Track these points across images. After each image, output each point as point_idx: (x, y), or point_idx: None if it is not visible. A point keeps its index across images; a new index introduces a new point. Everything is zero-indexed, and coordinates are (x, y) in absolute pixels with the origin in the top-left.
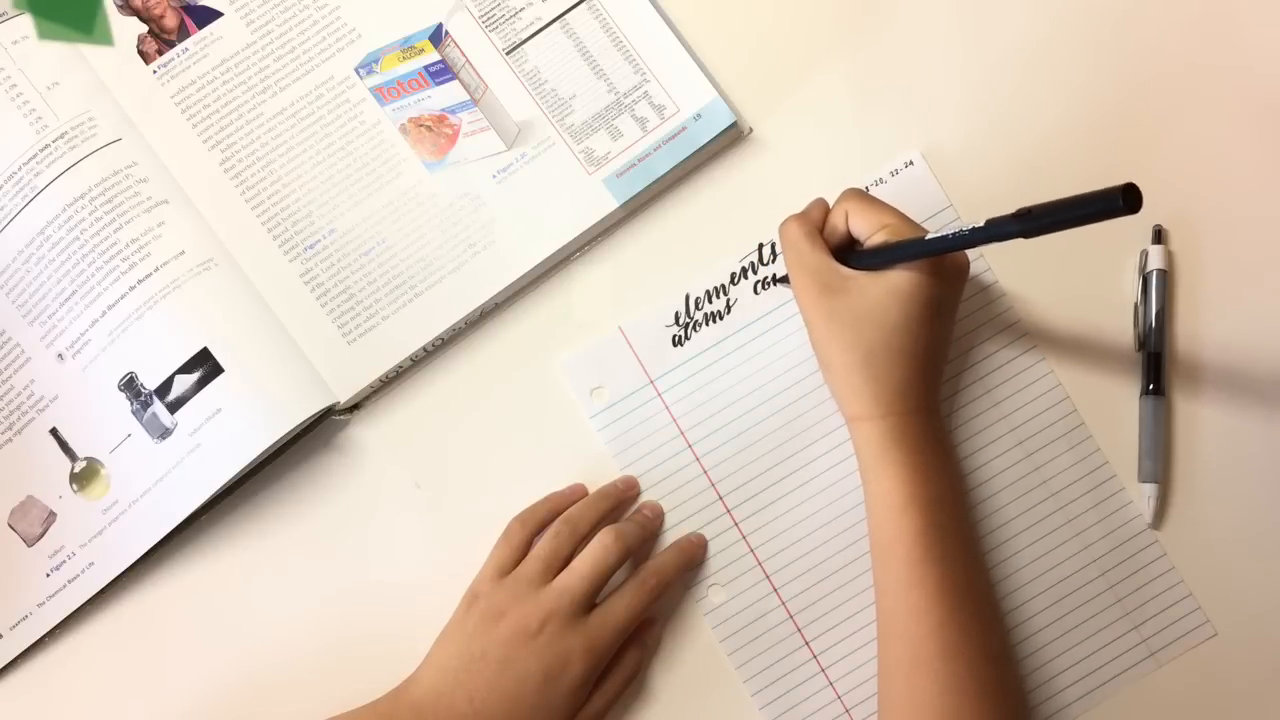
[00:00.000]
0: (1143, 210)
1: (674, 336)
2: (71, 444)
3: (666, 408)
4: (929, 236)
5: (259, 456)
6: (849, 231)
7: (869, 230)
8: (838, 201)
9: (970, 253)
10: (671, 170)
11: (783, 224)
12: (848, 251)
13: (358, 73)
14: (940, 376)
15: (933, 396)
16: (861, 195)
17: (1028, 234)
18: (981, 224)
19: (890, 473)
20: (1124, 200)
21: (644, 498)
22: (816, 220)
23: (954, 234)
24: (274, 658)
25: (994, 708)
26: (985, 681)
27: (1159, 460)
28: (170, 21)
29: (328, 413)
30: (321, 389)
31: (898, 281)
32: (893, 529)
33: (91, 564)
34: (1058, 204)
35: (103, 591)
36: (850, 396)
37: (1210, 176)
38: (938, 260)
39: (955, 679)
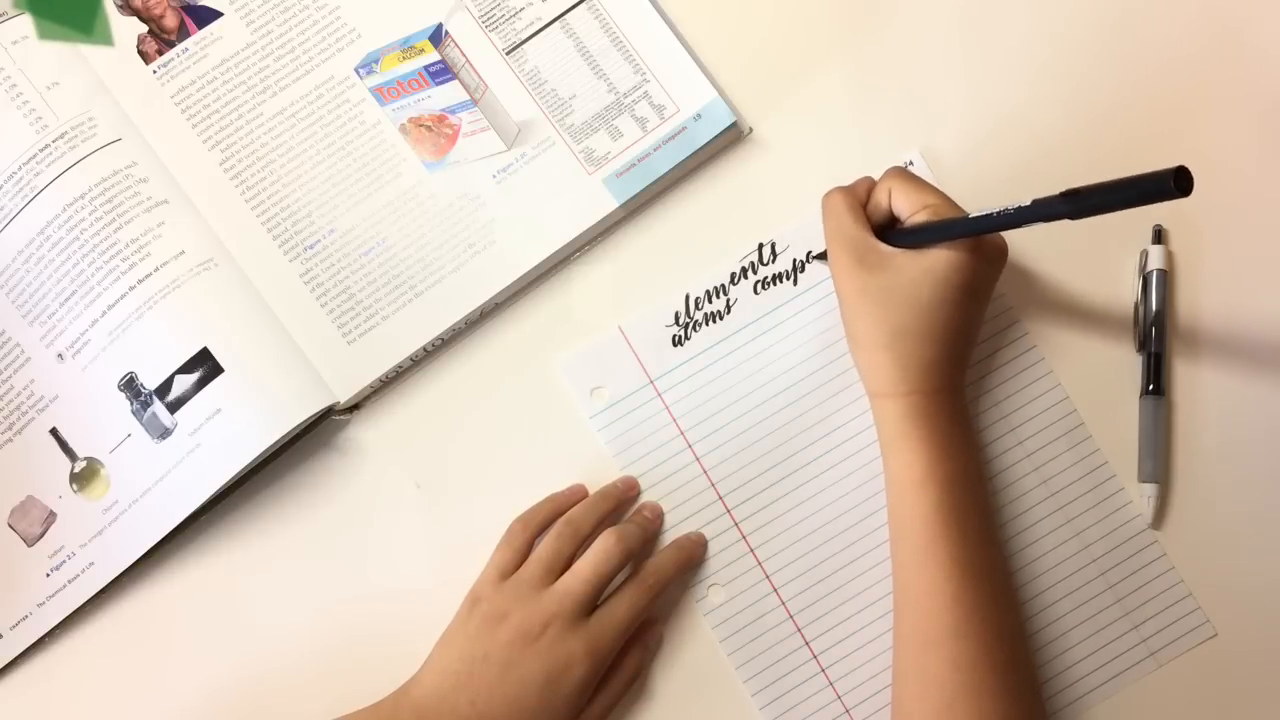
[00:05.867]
0: (1142, 211)
1: (674, 336)
2: (71, 444)
3: (666, 408)
4: (972, 216)
5: (259, 457)
6: (891, 210)
7: (911, 209)
8: (881, 179)
9: None
10: (671, 170)
11: (827, 194)
12: (889, 230)
13: (358, 73)
14: (968, 357)
15: (958, 376)
16: (905, 174)
17: (1075, 215)
18: (1027, 204)
19: (909, 449)
20: (1175, 183)
21: (644, 498)
22: (861, 195)
23: (998, 213)
24: (274, 658)
25: (1004, 685)
26: (996, 659)
27: (1159, 460)
28: (170, 21)
29: (328, 413)
30: (321, 389)
31: (935, 262)
32: (909, 505)
33: (91, 564)
34: (1107, 185)
35: (103, 591)
36: (874, 372)
37: (1210, 176)
38: (977, 242)
39: (966, 655)
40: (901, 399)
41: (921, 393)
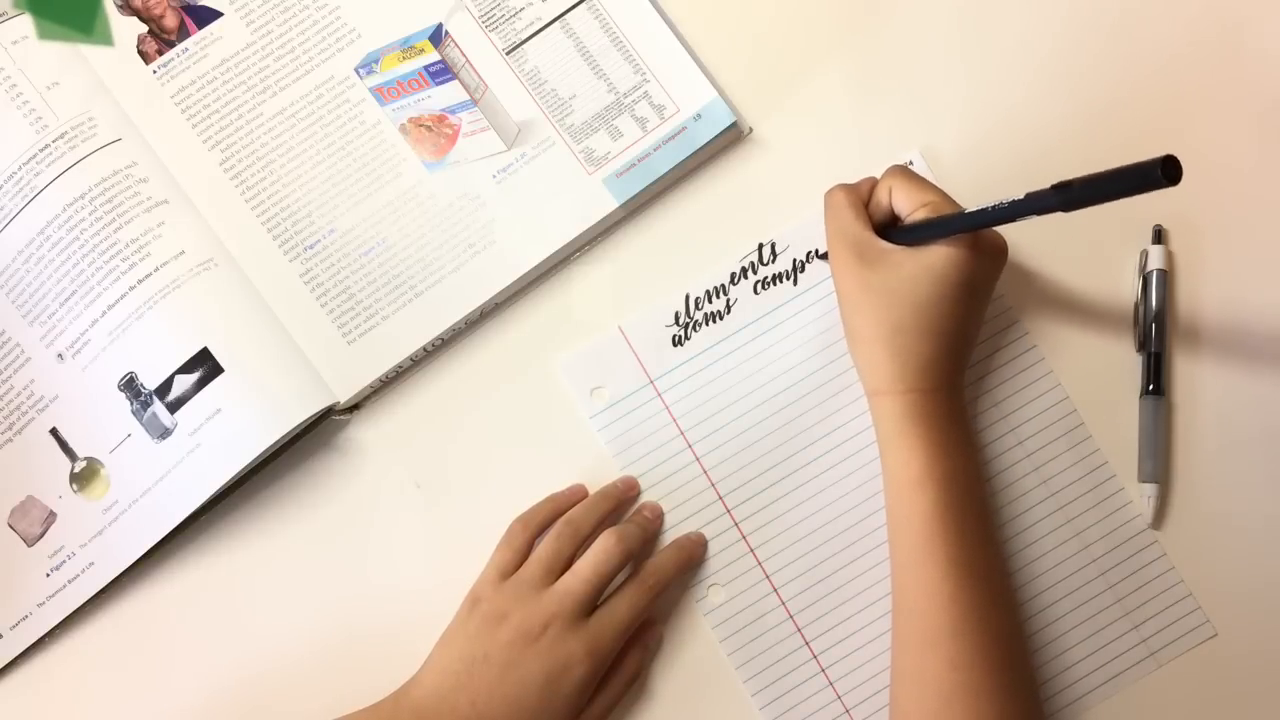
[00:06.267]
0: (1143, 210)
1: (674, 336)
2: (71, 444)
3: (666, 408)
4: (968, 211)
5: (259, 456)
6: (892, 208)
7: (911, 207)
8: (882, 177)
9: None
10: (671, 170)
11: (829, 191)
12: (890, 228)
13: (358, 73)
14: (968, 356)
15: (957, 375)
16: (905, 172)
17: (1067, 207)
18: (1021, 197)
19: (907, 447)
20: (1163, 172)
21: (644, 498)
22: (863, 193)
23: (993, 207)
24: (274, 659)
25: (1001, 685)
26: (994, 658)
27: (1159, 460)
28: (170, 21)
29: (328, 413)
30: (321, 389)
31: (934, 258)
32: (907, 504)
33: (91, 564)
34: (1096, 177)
35: (103, 591)
36: (873, 370)
37: (1210, 176)
38: (975, 239)
39: (963, 655)
40: (900, 397)
41: (920, 391)
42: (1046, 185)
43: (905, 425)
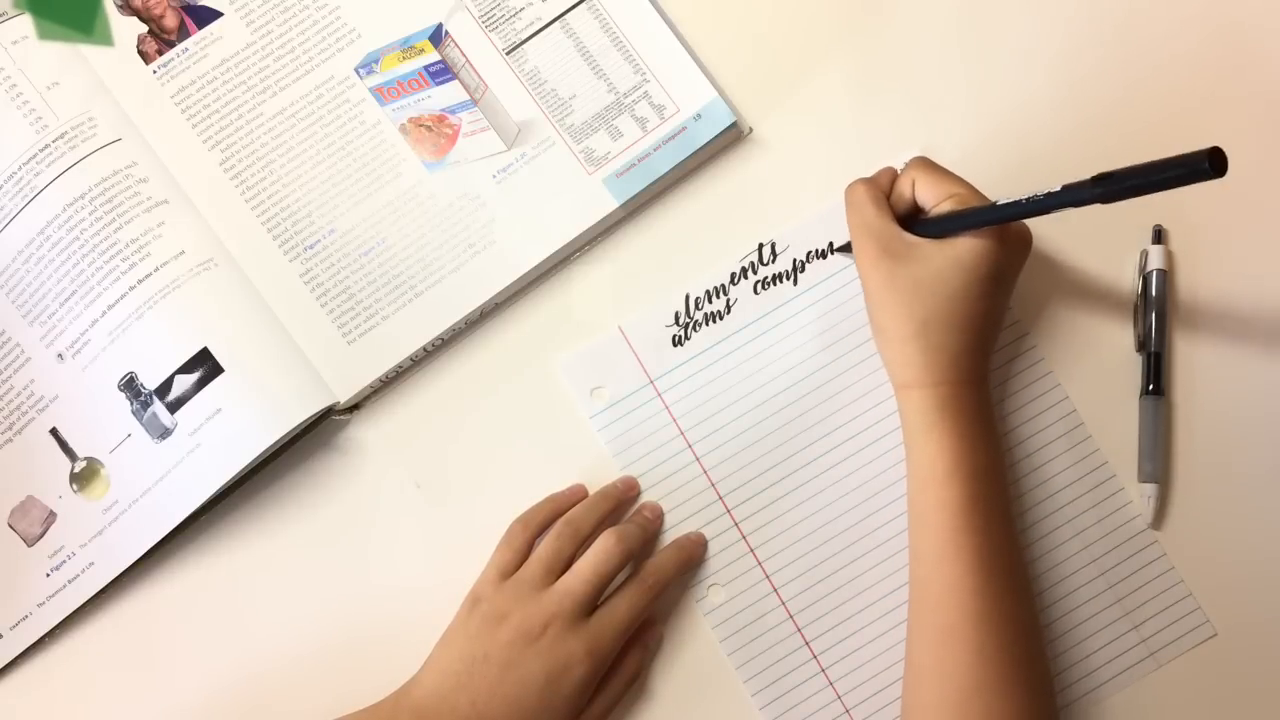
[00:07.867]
0: (1143, 210)
1: (674, 336)
2: (71, 444)
3: (666, 408)
4: (1000, 203)
5: (259, 456)
6: (915, 199)
7: (935, 199)
8: (905, 169)
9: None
10: (671, 170)
11: (850, 186)
12: (913, 220)
13: (358, 73)
14: (992, 348)
15: (984, 368)
16: (929, 164)
17: (1107, 199)
18: (1057, 189)
19: (936, 441)
20: (1210, 164)
21: (644, 498)
22: (884, 186)
23: (1027, 199)
24: (274, 659)
25: (1022, 680)
26: (1015, 653)
27: (1159, 460)
28: (170, 21)
29: (328, 413)
30: (321, 389)
31: (961, 251)
32: (934, 497)
33: (91, 564)
34: (1140, 168)
35: (103, 591)
36: (902, 364)
37: None
38: (1002, 230)
39: (986, 649)
40: (930, 390)
41: (950, 383)
42: (1046, 185)
43: (935, 418)
